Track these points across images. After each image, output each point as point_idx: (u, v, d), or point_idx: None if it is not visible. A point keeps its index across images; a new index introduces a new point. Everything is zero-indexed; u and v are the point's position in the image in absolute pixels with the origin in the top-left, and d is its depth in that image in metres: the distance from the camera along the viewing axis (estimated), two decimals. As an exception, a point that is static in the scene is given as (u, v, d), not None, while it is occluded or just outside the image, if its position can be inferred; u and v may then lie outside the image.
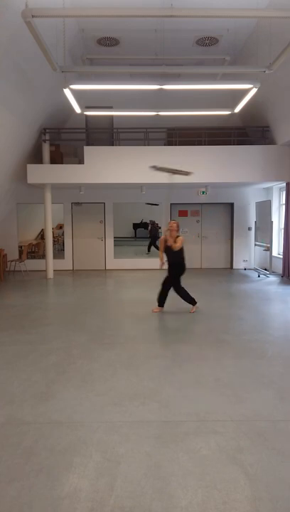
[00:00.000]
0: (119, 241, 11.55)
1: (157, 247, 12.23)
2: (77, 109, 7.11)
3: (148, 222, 14.59)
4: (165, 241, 5.94)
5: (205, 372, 3.74)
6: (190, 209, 11.41)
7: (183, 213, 11.42)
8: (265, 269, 10.63)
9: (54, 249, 10.86)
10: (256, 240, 10.85)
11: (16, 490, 2.15)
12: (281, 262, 9.60)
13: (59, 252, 11.70)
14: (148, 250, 13.49)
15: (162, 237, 6.10)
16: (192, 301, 6.12)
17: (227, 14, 4.38)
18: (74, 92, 6.60)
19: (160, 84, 5.97)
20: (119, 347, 4.51)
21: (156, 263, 11.25)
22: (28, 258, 11.12)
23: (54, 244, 11.38)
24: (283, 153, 9.14)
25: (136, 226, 18.07)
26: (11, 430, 2.76)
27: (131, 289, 8.20)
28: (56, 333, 5.06)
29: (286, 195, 9.20)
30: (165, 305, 6.29)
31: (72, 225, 11.18)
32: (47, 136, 9.46)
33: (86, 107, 10.68)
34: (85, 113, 8.97)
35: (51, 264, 9.96)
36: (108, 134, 10.95)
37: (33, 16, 4.18)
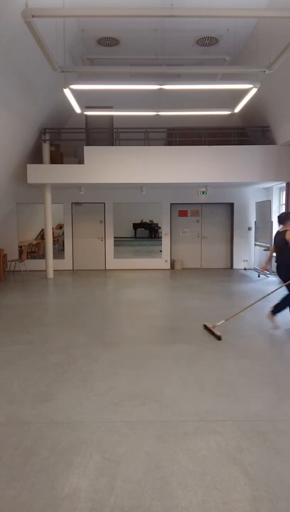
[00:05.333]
0: (119, 241, 11.56)
1: None
2: (77, 109, 7.11)
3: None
4: None
5: (205, 372, 3.74)
6: (190, 209, 11.42)
7: (183, 213, 11.43)
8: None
9: (54, 249, 10.87)
10: (256, 240, 10.85)
11: (16, 490, 2.15)
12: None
13: (59, 252, 11.71)
14: None
15: None
16: None
17: (227, 14, 4.38)
18: (74, 92, 6.61)
19: (160, 84, 5.97)
20: (119, 347, 4.51)
21: (156, 263, 11.27)
22: (28, 258, 11.13)
23: (54, 244, 11.38)
24: (283, 153, 9.14)
25: (136, 226, 18.10)
26: (11, 430, 2.76)
27: (131, 289, 8.20)
28: (56, 333, 5.06)
29: (286, 195, 9.20)
30: (165, 305, 6.27)
31: (72, 225, 11.18)
32: (47, 136, 9.45)
33: (86, 107, 10.69)
34: (85, 113, 8.96)
35: (51, 264, 9.95)
36: (108, 134, 10.95)
37: (33, 16, 4.18)
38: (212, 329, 4.99)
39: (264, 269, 5.33)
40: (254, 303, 5.36)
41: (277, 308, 5.25)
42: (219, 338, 4.76)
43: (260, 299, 5.41)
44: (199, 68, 5.94)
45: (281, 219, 5.15)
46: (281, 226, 5.18)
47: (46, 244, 9.94)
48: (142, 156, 9.18)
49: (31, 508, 2.02)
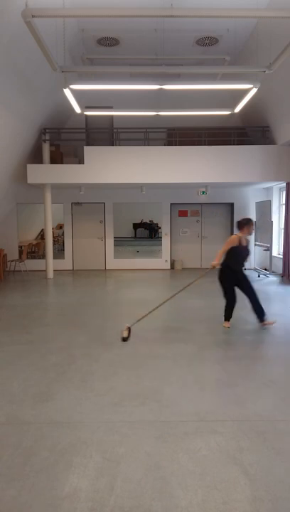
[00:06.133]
0: (119, 241, 11.56)
1: None
2: (77, 109, 7.11)
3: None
4: None
5: (205, 372, 3.74)
6: (190, 209, 11.42)
7: (183, 213, 11.43)
8: (265, 269, 10.62)
9: (54, 249, 10.87)
10: (256, 240, 10.85)
11: (16, 490, 2.15)
12: (281, 262, 9.60)
13: (59, 252, 11.71)
14: None
15: None
16: None
17: (227, 14, 4.38)
18: (74, 92, 6.61)
19: (160, 84, 5.97)
20: (119, 347, 4.51)
21: (156, 263, 11.27)
22: (28, 258, 11.12)
23: (54, 244, 11.39)
24: (283, 153, 9.14)
25: (136, 226, 18.11)
26: (11, 430, 2.76)
27: (130, 288, 8.20)
28: (56, 333, 5.06)
29: (286, 195, 9.20)
30: (165, 305, 6.27)
31: (72, 225, 11.18)
32: (47, 136, 9.46)
33: (86, 107, 10.68)
34: (85, 113, 8.97)
35: (51, 264, 9.95)
36: (108, 134, 10.95)
37: (33, 16, 4.18)
38: (124, 330, 4.88)
39: (213, 266, 5.17)
40: (166, 300, 5.37)
41: (258, 313, 5.20)
42: (123, 339, 4.69)
43: (174, 295, 5.40)
44: (199, 68, 5.95)
45: (240, 224, 5.34)
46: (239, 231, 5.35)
47: (46, 244, 9.95)
48: (142, 156, 9.18)
49: (31, 508, 2.02)
